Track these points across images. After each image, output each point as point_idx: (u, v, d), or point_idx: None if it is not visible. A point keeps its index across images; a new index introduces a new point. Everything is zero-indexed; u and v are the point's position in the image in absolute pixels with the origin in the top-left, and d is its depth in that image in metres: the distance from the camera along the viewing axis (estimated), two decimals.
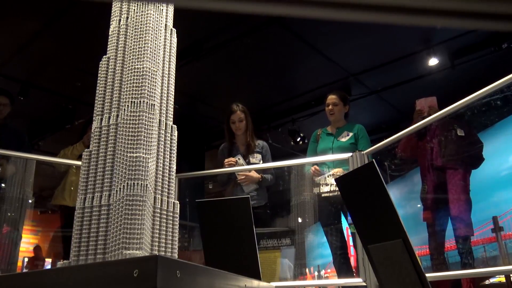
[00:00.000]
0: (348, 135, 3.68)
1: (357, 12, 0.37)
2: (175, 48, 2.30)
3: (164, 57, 2.21)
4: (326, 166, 3.59)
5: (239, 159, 3.62)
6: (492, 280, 3.78)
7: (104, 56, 2.21)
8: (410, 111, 3.69)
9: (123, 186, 1.84)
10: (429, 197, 3.47)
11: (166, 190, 2.04)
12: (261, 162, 3.70)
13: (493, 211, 3.76)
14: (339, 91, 3.93)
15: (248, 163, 3.64)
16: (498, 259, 3.59)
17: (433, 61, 5.22)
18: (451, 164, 3.33)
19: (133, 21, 2.16)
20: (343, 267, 3.44)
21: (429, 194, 3.46)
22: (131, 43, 2.13)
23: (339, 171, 3.46)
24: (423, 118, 3.16)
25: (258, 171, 3.64)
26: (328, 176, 3.52)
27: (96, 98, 2.14)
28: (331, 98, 3.78)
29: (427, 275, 1.39)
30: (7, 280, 1.00)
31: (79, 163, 2.43)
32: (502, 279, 3.61)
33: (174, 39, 2.30)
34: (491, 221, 3.62)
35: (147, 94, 2.01)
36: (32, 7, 4.17)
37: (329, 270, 5.58)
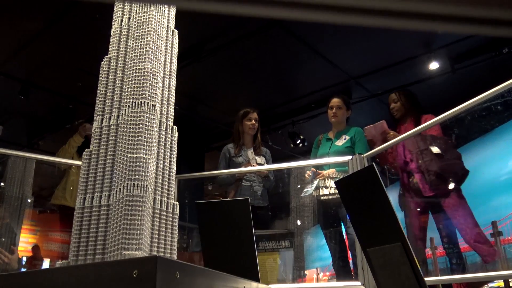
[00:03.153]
0: (345, 139, 3.70)
1: (359, 16, 0.37)
2: (177, 49, 2.31)
3: (165, 58, 2.21)
4: (324, 170, 3.61)
5: (251, 154, 3.71)
6: (490, 285, 3.78)
7: (106, 57, 2.21)
8: None
9: (123, 186, 1.84)
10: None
11: (166, 191, 2.05)
12: (265, 164, 3.80)
13: (492, 216, 3.76)
14: (342, 95, 3.95)
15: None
16: (496, 264, 3.59)
17: (433, 65, 5.22)
18: (442, 191, 3.17)
19: (135, 22, 2.16)
20: (342, 270, 3.44)
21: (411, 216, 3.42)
22: (132, 43, 2.13)
23: (330, 172, 3.49)
24: (381, 144, 3.11)
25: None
26: (324, 179, 3.53)
27: (97, 98, 2.14)
28: (335, 101, 3.81)
29: (425, 279, 1.39)
30: (5, 280, 1.00)
31: (79, 163, 2.43)
32: (500, 284, 3.60)
33: (176, 40, 2.31)
34: (490, 226, 3.61)
35: (148, 94, 2.01)
36: (34, 6, 4.18)
37: (327, 273, 5.57)
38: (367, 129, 3.22)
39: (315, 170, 3.61)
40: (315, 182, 3.53)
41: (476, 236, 3.06)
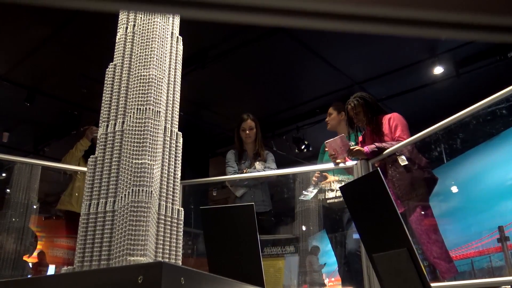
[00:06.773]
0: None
1: (363, 24, 0.38)
2: (181, 56, 2.32)
3: (170, 64, 2.22)
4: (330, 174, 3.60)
5: (245, 171, 3.73)
6: None
7: (111, 63, 2.23)
8: (414, 120, 3.65)
9: (128, 192, 1.85)
10: None
11: (171, 196, 2.05)
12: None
13: (499, 221, 3.73)
14: (336, 102, 3.96)
15: (254, 168, 3.75)
16: (503, 269, 3.55)
17: (438, 70, 5.21)
18: (411, 204, 3.04)
19: (140, 29, 2.18)
20: (348, 276, 3.42)
21: None
22: (137, 50, 2.14)
23: (335, 179, 3.50)
24: (343, 157, 3.05)
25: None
26: (331, 182, 3.53)
27: (102, 104, 2.16)
28: (328, 110, 3.87)
29: (432, 284, 1.38)
30: (11, 286, 1.01)
31: (85, 169, 2.44)
32: None
33: (180, 47, 2.32)
34: (497, 231, 3.59)
35: (153, 101, 2.02)
36: (40, 14, 4.22)
37: (333, 279, 5.54)
38: (328, 143, 3.17)
39: (320, 174, 3.60)
40: (316, 188, 3.53)
41: (436, 252, 2.97)
